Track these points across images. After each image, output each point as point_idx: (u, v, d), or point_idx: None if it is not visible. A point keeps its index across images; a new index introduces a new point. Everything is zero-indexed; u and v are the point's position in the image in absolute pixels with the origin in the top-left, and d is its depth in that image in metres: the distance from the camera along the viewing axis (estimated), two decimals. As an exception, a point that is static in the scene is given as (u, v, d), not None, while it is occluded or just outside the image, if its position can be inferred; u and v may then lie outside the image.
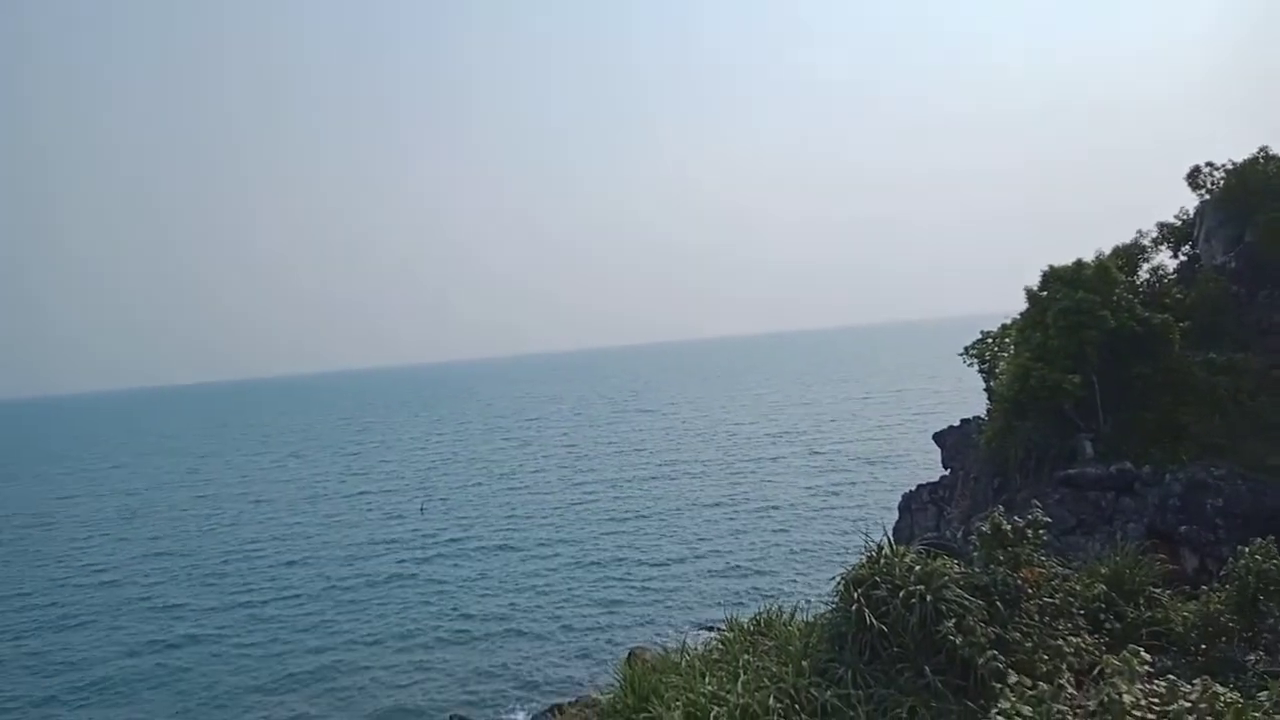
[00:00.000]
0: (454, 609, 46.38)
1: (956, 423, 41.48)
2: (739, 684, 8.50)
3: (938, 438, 42.27)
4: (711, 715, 7.98)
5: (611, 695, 10.76)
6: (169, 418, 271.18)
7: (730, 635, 10.60)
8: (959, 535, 23.48)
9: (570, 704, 24.67)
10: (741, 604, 38.96)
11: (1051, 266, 29.65)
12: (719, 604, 42.25)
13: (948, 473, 39.16)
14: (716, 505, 65.84)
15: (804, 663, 8.54)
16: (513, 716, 33.49)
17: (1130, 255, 32.31)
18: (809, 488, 69.26)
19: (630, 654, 25.62)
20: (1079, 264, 29.00)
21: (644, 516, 64.27)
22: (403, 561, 57.06)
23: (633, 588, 47.64)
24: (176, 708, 36.52)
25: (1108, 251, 31.58)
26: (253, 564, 59.70)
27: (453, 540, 61.59)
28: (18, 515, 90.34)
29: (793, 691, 8.11)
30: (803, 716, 7.83)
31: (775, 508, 63.25)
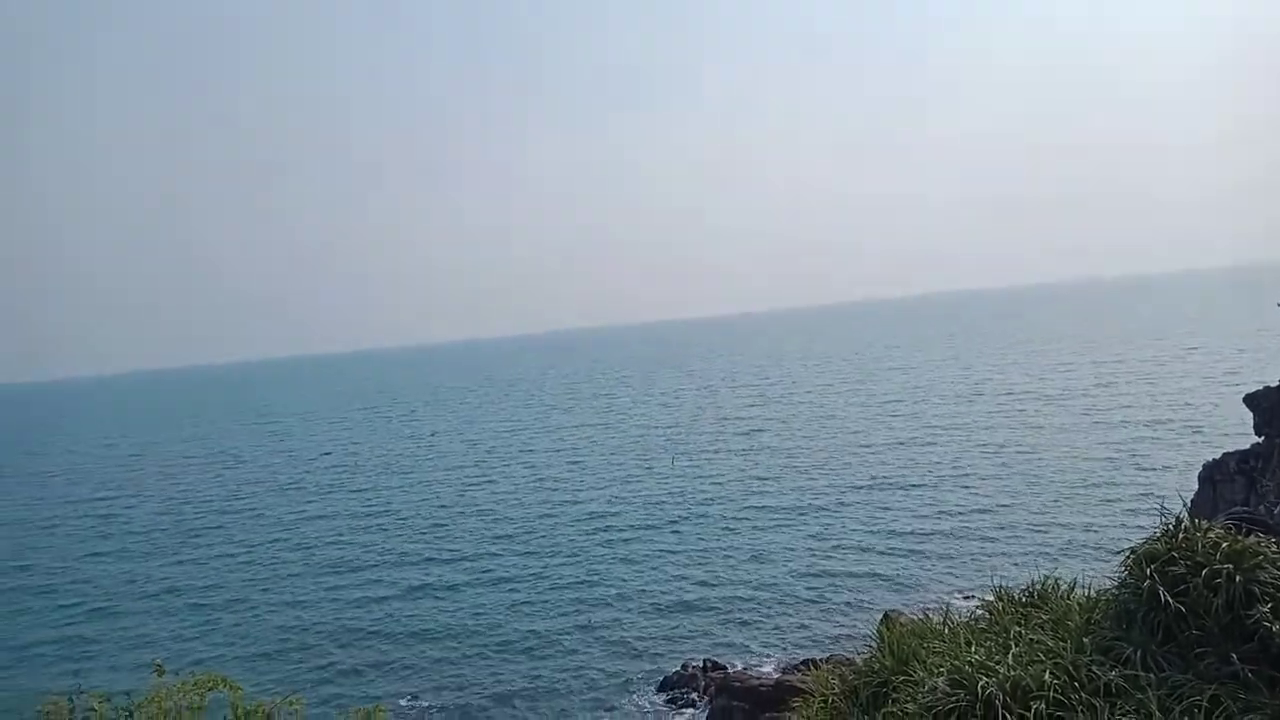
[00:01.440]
0: (700, 568, 47.64)
1: (1274, 383, 35.86)
2: (1009, 656, 8.14)
3: (1250, 400, 36.79)
4: (979, 685, 7.72)
5: (868, 655, 10.72)
6: (434, 372, 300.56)
7: (999, 605, 10.15)
8: (1275, 511, 20.46)
9: (823, 660, 24.81)
10: (1006, 576, 37.00)
11: None
12: (978, 575, 40.16)
13: (1261, 440, 34.04)
14: (978, 474, 61.93)
15: (1085, 639, 7.98)
16: (762, 667, 34.29)
17: None
18: (1089, 457, 63.04)
19: (885, 616, 25.20)
20: None
21: (896, 484, 62.02)
22: (653, 519, 59.27)
23: (883, 556, 46.42)
24: (439, 649, 39.54)
25: None
26: (523, 511, 65.14)
27: (703, 501, 62.83)
28: (300, 452, 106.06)
29: (1071, 668, 7.63)
30: (1082, 695, 7.34)
31: (1047, 477, 58.38)
